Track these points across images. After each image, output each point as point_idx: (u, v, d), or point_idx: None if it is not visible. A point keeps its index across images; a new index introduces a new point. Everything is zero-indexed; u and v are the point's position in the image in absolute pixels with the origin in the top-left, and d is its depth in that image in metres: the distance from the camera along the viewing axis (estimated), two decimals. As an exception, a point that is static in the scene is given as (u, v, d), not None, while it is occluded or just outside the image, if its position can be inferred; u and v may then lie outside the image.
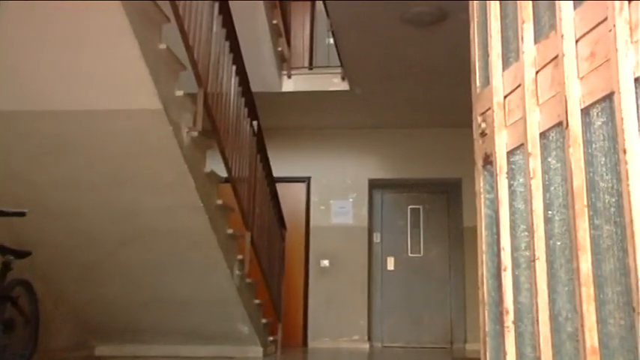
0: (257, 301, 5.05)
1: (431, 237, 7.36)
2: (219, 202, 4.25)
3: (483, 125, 1.72)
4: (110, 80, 3.30)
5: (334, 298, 7.09)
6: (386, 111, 6.82)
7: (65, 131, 3.55)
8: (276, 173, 5.59)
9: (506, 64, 1.64)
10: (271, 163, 5.40)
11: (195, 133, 3.73)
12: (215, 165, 4.15)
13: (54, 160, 3.74)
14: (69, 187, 3.89)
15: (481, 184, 1.75)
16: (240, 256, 4.62)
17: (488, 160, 1.69)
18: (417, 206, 7.48)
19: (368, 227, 7.31)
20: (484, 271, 1.71)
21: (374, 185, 7.47)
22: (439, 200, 7.47)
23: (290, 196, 7.11)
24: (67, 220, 4.12)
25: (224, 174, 4.26)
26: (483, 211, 1.73)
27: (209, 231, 4.04)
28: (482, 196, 1.74)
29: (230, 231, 4.44)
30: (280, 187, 5.87)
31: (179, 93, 3.61)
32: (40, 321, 3.86)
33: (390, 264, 7.35)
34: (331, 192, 7.35)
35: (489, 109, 1.68)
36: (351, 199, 7.34)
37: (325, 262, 7.20)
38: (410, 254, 7.36)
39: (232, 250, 4.50)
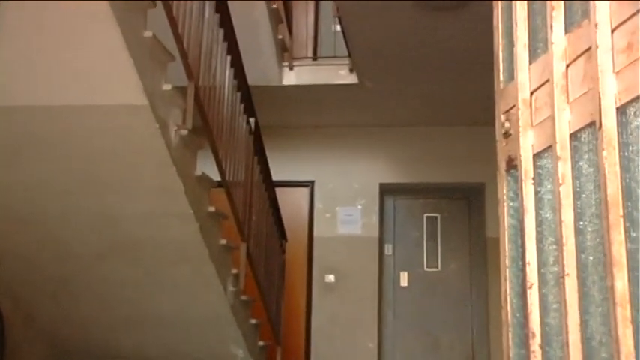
0: (253, 321, 5.05)
1: (450, 249, 7.36)
2: (212, 209, 4.26)
3: (507, 125, 1.73)
4: (89, 72, 3.31)
5: (340, 317, 7.08)
6: (399, 107, 6.83)
7: (38, 128, 3.56)
8: (275, 177, 5.61)
9: (533, 56, 1.65)
10: (270, 166, 5.41)
11: (185, 132, 3.74)
12: (207, 167, 4.16)
13: (25, 161, 3.75)
14: (41, 190, 3.91)
15: (504, 191, 1.76)
16: (234, 270, 4.62)
17: (513, 164, 1.70)
18: (434, 214, 7.47)
19: (379, 238, 7.30)
20: (507, 288, 1.72)
21: (385, 191, 7.47)
22: (459, 208, 7.47)
23: (291, 203, 7.12)
24: (39, 229, 4.13)
25: (217, 177, 4.27)
26: (507, 220, 1.74)
27: (200, 241, 4.05)
28: (505, 204, 1.75)
29: (223, 241, 4.44)
30: (280, 193, 5.87)
31: (167, 87, 3.62)
32: (6, 342, 3.87)
33: (404, 279, 7.35)
34: (337, 198, 7.36)
35: (514, 106, 1.69)
36: (359, 206, 7.34)
37: (330, 277, 7.20)
38: (426, 268, 7.36)
39: (226, 263, 4.50)
